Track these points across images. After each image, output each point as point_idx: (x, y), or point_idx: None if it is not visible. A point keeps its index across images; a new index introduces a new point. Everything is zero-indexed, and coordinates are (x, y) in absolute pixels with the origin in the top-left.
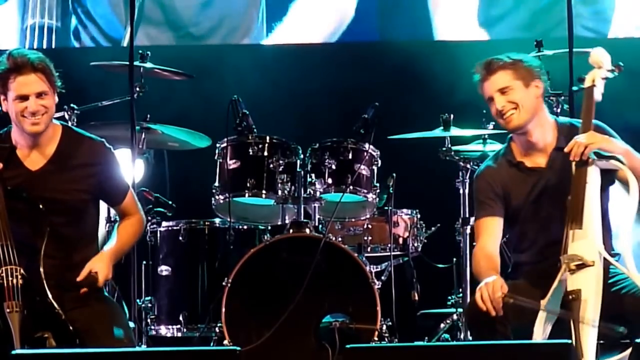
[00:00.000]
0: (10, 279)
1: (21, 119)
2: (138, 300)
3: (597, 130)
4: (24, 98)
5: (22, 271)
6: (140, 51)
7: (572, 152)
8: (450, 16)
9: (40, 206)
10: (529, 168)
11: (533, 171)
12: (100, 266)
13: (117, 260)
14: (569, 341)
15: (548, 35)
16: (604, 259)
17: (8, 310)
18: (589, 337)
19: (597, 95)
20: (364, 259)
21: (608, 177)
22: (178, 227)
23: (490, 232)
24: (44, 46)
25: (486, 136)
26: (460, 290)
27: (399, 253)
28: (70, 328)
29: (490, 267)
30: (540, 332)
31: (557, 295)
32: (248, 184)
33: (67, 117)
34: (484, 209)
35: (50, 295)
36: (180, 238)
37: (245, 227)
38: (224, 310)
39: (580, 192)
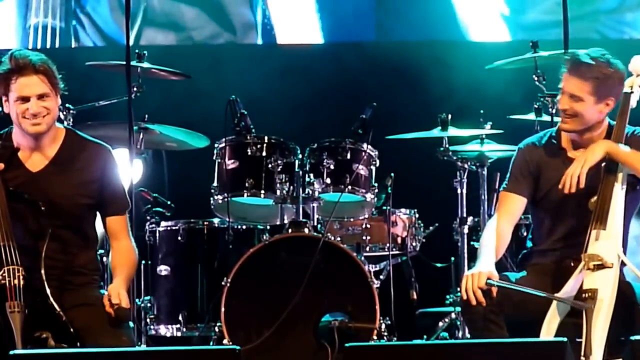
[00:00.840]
0: (12, 279)
1: (22, 120)
2: (137, 300)
3: (632, 139)
4: (25, 99)
5: (23, 272)
6: (137, 51)
7: (568, 186)
8: (451, 15)
9: (42, 208)
10: (569, 158)
11: (570, 163)
12: (123, 293)
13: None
14: (565, 339)
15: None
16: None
17: (10, 310)
18: (598, 336)
19: (633, 101)
20: (362, 258)
21: (634, 182)
22: (177, 227)
23: (510, 210)
24: (47, 46)
25: (484, 136)
26: (459, 289)
27: (397, 252)
28: (71, 330)
29: (493, 248)
30: (552, 329)
31: (570, 290)
32: (247, 184)
33: (62, 117)
34: (512, 182)
35: (50, 297)
36: (179, 238)
37: (244, 227)
38: (223, 309)
39: (607, 194)
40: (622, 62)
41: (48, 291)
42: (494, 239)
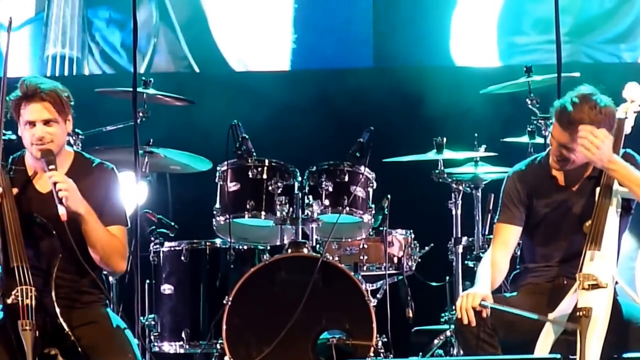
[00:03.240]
0: (24, 298)
1: (29, 146)
2: (142, 318)
3: (626, 158)
4: (32, 124)
5: (35, 292)
6: (143, 78)
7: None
8: (449, 40)
9: (53, 232)
10: (559, 185)
11: (562, 189)
12: (70, 185)
13: (81, 213)
14: (558, 356)
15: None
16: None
17: (22, 328)
18: (592, 354)
19: (627, 127)
20: (360, 277)
21: (627, 206)
22: (180, 248)
23: (505, 241)
24: (65, 75)
25: (478, 159)
26: (453, 307)
27: (393, 272)
28: (79, 349)
29: (489, 275)
30: (547, 346)
31: (564, 309)
32: (248, 206)
33: (72, 141)
34: (505, 213)
35: (60, 317)
36: (183, 258)
37: (245, 247)
38: (224, 327)
39: (602, 216)
40: (616, 86)
41: (58, 312)
42: (487, 270)
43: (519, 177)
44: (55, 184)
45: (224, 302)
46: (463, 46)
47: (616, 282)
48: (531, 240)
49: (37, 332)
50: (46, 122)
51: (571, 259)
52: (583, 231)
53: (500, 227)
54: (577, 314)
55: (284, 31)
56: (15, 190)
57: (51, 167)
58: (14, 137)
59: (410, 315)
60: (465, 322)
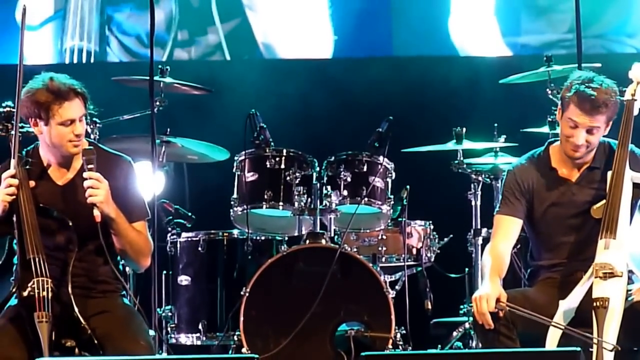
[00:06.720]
0: (41, 290)
1: (65, 143)
2: (159, 309)
3: (632, 157)
4: (71, 122)
5: (52, 284)
6: (160, 66)
7: None
8: (465, 30)
9: (70, 224)
10: (559, 177)
11: (563, 181)
12: (105, 186)
13: (113, 217)
14: (578, 348)
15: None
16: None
17: (38, 320)
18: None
19: (636, 109)
20: (378, 268)
21: (637, 192)
22: (197, 238)
23: (506, 232)
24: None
25: (498, 149)
26: (472, 299)
27: (412, 263)
28: (95, 341)
29: (495, 268)
30: (556, 337)
31: (575, 298)
32: (265, 196)
33: (89, 130)
34: (506, 205)
35: (77, 310)
36: (200, 249)
37: (262, 238)
38: (242, 318)
39: (616, 202)
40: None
41: (74, 304)
42: (493, 263)
43: (519, 171)
44: (89, 187)
45: (242, 293)
46: (480, 36)
47: (630, 271)
48: (539, 233)
49: (53, 324)
50: (80, 119)
51: (584, 249)
52: (591, 216)
53: (502, 219)
54: (595, 303)
55: (306, 20)
56: (32, 183)
57: (90, 166)
58: (32, 129)
59: (429, 307)
60: (487, 326)
